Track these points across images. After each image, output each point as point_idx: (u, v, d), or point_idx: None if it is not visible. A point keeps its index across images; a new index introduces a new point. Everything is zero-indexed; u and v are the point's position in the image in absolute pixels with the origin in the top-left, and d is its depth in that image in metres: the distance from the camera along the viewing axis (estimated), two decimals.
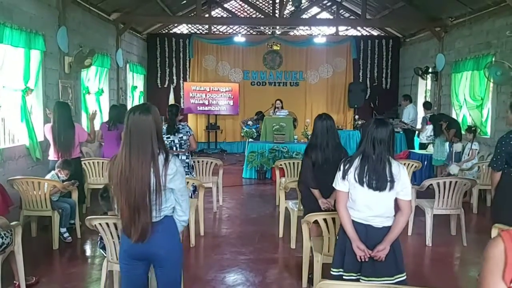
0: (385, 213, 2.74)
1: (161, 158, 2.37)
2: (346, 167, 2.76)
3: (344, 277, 2.78)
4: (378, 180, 2.68)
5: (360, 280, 2.73)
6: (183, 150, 5.48)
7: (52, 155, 5.47)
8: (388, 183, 2.67)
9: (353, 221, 2.78)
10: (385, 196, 2.71)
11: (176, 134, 5.44)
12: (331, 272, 2.89)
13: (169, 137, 5.44)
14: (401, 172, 2.71)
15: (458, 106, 8.69)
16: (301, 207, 4.76)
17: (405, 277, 2.77)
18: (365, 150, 2.72)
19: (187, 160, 5.54)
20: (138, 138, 2.34)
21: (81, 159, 6.12)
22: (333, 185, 2.88)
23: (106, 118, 7.41)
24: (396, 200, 2.76)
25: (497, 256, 1.05)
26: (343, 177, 2.76)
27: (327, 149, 3.80)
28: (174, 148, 5.45)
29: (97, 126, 6.81)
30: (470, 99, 8.21)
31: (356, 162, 2.74)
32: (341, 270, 2.82)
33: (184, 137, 5.46)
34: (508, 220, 3.45)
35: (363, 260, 2.71)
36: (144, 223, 2.35)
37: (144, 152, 2.33)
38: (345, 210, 2.79)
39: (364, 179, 2.69)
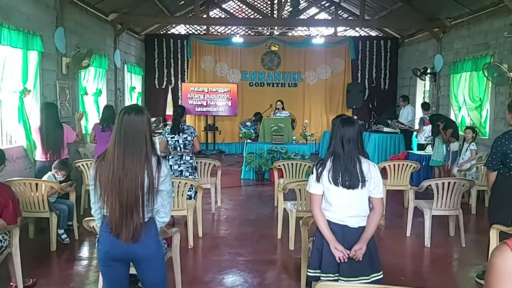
0: (360, 213, 2.77)
1: (153, 160, 2.39)
2: (319, 170, 2.79)
3: (322, 278, 2.80)
4: (350, 178, 2.71)
5: (339, 281, 2.75)
6: (187, 150, 5.48)
7: (39, 155, 5.44)
8: (360, 181, 2.71)
9: (329, 222, 2.80)
10: (359, 195, 2.74)
11: (181, 134, 5.43)
12: (308, 273, 2.92)
13: (173, 137, 5.43)
14: (371, 170, 2.75)
15: (457, 107, 8.70)
16: (300, 208, 4.77)
17: (381, 275, 2.80)
18: (335, 150, 2.76)
19: (191, 161, 5.52)
20: (134, 139, 2.35)
21: (78, 160, 6.12)
22: (307, 188, 2.91)
23: None
24: (369, 198, 2.79)
25: (506, 265, 0.99)
26: (317, 180, 2.78)
27: None
28: (178, 149, 5.44)
29: (89, 127, 6.78)
30: (470, 100, 8.21)
31: (329, 164, 2.77)
32: (317, 271, 2.84)
33: (189, 138, 5.45)
34: (503, 220, 3.45)
35: (342, 260, 2.73)
36: (137, 223, 2.35)
37: (139, 153, 2.34)
38: (320, 213, 2.82)
39: (338, 179, 2.72)
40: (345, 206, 2.76)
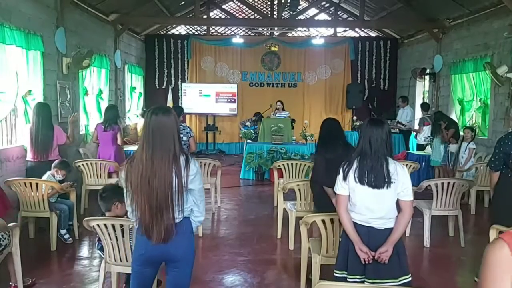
0: (386, 215, 2.74)
1: (182, 159, 2.39)
2: (346, 169, 2.78)
3: (348, 279, 2.79)
4: (376, 177, 2.69)
5: (365, 283, 2.72)
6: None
7: (28, 156, 5.42)
8: (386, 181, 2.68)
9: (355, 223, 2.78)
10: (384, 196, 2.71)
11: None
12: (335, 274, 2.90)
13: None
14: (398, 171, 2.72)
15: (458, 108, 8.69)
16: (299, 208, 4.78)
17: (410, 278, 2.76)
18: (362, 149, 2.75)
19: None
20: (162, 139, 2.35)
21: (78, 161, 6.13)
22: (334, 189, 2.89)
23: None
24: (397, 201, 2.76)
25: (503, 259, 0.96)
26: (344, 179, 2.77)
27: (340, 147, 3.82)
28: None
29: (90, 127, 6.76)
30: (475, 101, 8.23)
31: (355, 163, 2.76)
32: (344, 272, 2.83)
33: (184, 138, 5.42)
34: (506, 220, 3.46)
35: (366, 262, 2.71)
36: (168, 224, 2.35)
37: (167, 152, 2.35)
38: (346, 213, 2.80)
39: (364, 178, 2.71)
40: (370, 206, 2.73)
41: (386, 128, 2.76)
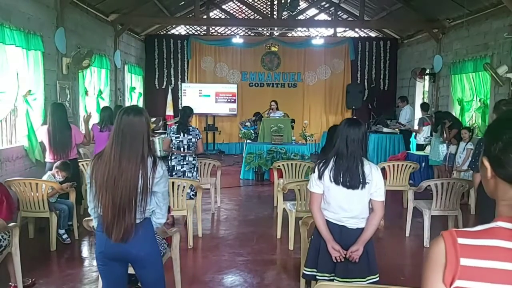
0: (359, 215, 2.78)
1: (149, 161, 2.39)
2: (322, 169, 2.79)
3: (317, 277, 2.82)
4: (351, 178, 2.72)
5: (334, 281, 2.76)
6: (190, 151, 5.51)
7: (48, 157, 5.46)
8: (360, 182, 2.71)
9: (327, 221, 2.81)
10: (358, 196, 2.74)
11: (186, 135, 5.46)
12: (304, 271, 2.94)
13: (178, 137, 5.47)
14: (373, 172, 2.75)
15: (459, 108, 8.68)
16: (299, 208, 4.78)
17: (377, 278, 2.81)
18: (339, 149, 2.77)
19: (193, 162, 5.56)
20: (131, 139, 2.35)
21: (78, 160, 6.11)
22: (308, 187, 2.93)
23: None
24: (370, 201, 2.80)
25: (438, 256, 1.04)
26: (320, 178, 2.79)
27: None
28: (182, 149, 5.47)
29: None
30: (475, 101, 8.23)
31: (331, 163, 2.77)
32: (314, 270, 2.85)
33: (193, 139, 5.49)
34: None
35: (338, 260, 2.74)
36: (128, 224, 2.35)
37: (135, 153, 2.35)
38: (319, 212, 2.83)
39: (339, 178, 2.73)
40: (344, 206, 2.76)
41: (362, 128, 2.79)
